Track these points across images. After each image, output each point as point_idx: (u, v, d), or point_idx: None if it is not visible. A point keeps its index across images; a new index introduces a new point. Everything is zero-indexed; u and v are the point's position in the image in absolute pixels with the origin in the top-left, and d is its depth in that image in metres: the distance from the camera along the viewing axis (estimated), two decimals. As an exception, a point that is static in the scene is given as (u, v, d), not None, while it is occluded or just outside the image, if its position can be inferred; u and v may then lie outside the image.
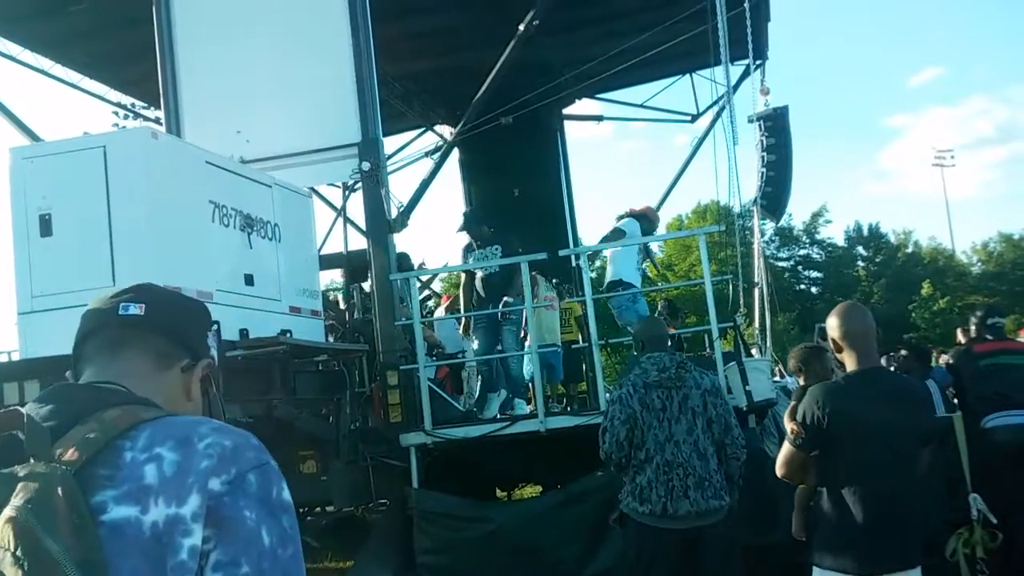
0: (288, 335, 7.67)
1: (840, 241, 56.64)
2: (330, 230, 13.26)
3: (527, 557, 7.13)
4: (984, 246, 58.34)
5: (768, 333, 11.44)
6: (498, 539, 7.23)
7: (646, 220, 9.89)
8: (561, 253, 9.81)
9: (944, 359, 8.55)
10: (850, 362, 3.84)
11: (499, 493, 10.12)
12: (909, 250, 56.57)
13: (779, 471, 4.05)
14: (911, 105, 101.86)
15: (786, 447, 3.97)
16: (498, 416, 8.40)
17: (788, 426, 4.03)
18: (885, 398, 3.78)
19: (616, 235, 9.54)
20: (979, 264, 57.88)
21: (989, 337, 6.71)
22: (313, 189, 9.96)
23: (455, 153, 12.57)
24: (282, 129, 9.10)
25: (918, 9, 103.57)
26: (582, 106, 15.49)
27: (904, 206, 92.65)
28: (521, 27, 9.41)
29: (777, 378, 11.25)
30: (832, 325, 3.89)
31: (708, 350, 10.01)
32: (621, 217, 9.99)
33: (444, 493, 7.82)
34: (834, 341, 3.88)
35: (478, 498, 8.22)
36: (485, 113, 9.79)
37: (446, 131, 14.02)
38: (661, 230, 14.02)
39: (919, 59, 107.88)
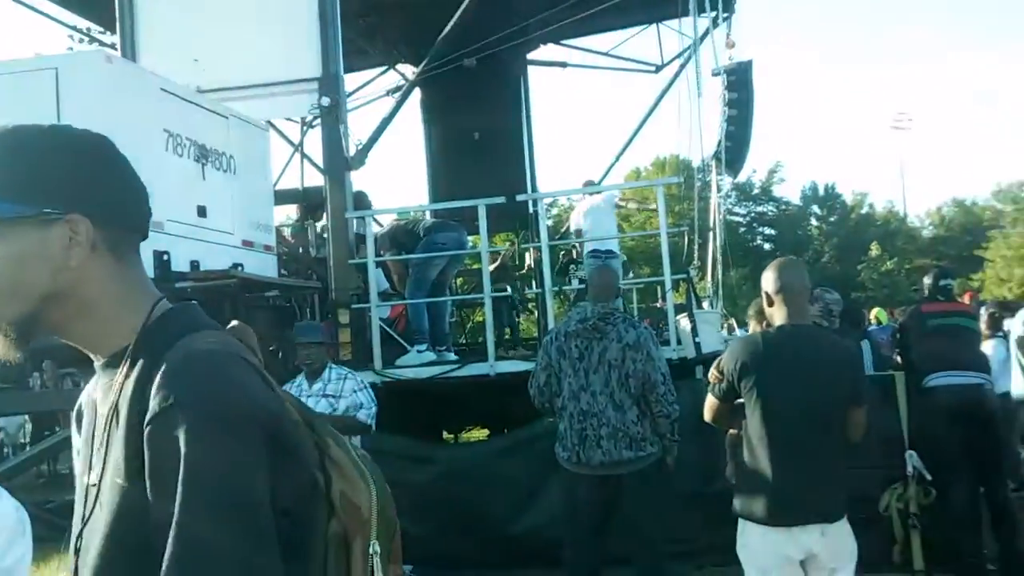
0: (240, 269, 7.61)
1: (796, 199, 57.18)
2: (286, 165, 13.10)
3: (471, 500, 7.20)
4: (938, 210, 59.28)
5: (720, 287, 11.55)
6: (443, 481, 7.28)
7: None
8: (519, 198, 9.77)
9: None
10: (779, 316, 3.85)
11: (446, 436, 10.17)
12: (864, 211, 57.21)
13: (705, 417, 4.11)
14: (877, 64, 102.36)
15: (708, 395, 4.04)
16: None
17: (710, 374, 4.08)
18: (806, 354, 3.79)
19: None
20: (931, 228, 58.77)
21: (940, 298, 6.83)
22: (270, 123, 9.81)
23: (416, 93, 12.42)
24: (241, 59, 8.91)
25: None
26: (547, 51, 15.35)
27: (862, 166, 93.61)
28: (488, -33, 9.28)
29: (725, 332, 11.37)
30: (768, 278, 3.88)
31: (661, 301, 10.12)
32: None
33: (390, 434, 7.85)
34: (767, 295, 3.88)
35: (424, 440, 8.23)
36: (449, 54, 9.67)
37: (408, 71, 13.84)
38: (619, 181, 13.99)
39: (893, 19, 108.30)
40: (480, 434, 10.41)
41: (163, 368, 1.21)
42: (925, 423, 6.44)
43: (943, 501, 6.19)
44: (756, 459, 3.76)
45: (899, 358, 7.11)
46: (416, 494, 7.28)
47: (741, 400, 3.86)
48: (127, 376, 1.28)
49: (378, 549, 1.31)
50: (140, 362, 1.27)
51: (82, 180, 1.32)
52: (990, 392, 6.52)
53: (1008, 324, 9.23)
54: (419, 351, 8.21)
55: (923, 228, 59.15)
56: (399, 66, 14.73)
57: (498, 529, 7.09)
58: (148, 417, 1.18)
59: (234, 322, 5.63)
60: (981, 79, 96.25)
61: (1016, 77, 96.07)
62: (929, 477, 6.20)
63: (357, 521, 1.30)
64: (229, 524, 1.14)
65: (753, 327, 6.39)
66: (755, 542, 3.77)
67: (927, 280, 7.06)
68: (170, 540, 1.13)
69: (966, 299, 11.92)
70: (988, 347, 7.69)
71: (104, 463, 1.26)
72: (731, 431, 4.20)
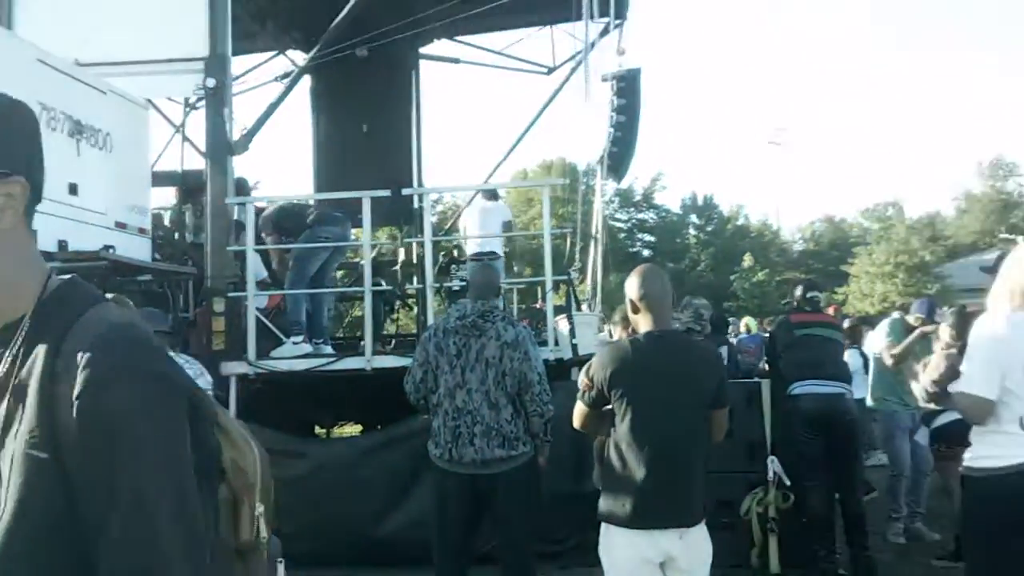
0: (111, 251, 7.38)
1: (676, 208, 58.46)
2: (166, 146, 12.69)
3: (340, 496, 7.13)
4: (809, 225, 61.63)
5: (599, 290, 11.72)
6: (313, 477, 7.18)
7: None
8: (405, 192, 9.73)
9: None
10: (644, 323, 3.93)
11: (318, 431, 10.04)
12: (739, 223, 58.90)
13: (575, 424, 4.15)
14: (758, 81, 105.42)
15: (578, 403, 4.08)
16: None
17: (580, 381, 4.14)
18: (671, 360, 3.88)
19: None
20: (802, 242, 60.98)
21: (808, 309, 7.13)
22: (151, 102, 9.50)
23: (306, 81, 12.22)
24: (124, 34, 8.57)
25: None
26: (440, 47, 15.31)
27: (740, 179, 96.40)
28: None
29: (605, 335, 11.57)
30: (632, 285, 3.95)
31: (540, 302, 10.23)
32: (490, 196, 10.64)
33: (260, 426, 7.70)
34: (631, 302, 3.96)
35: (296, 434, 8.09)
36: (341, 42, 9.55)
37: (299, 57, 13.59)
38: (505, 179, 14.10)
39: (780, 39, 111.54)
40: (354, 430, 10.31)
41: (85, 341, 1.22)
42: (788, 429, 6.70)
43: (801, 506, 6.45)
44: (624, 463, 3.82)
45: (766, 366, 7.38)
46: (285, 489, 7.18)
47: (610, 407, 3.93)
48: (29, 347, 1.25)
49: (262, 510, 1.41)
50: (45, 334, 1.25)
51: (19, 144, 1.32)
52: (850, 402, 6.83)
53: (868, 337, 9.70)
54: (295, 343, 8.09)
55: (794, 242, 61.37)
56: (289, 52, 14.47)
57: (368, 526, 7.05)
58: (79, 390, 1.18)
59: (110, 295, 5.44)
60: (860, 98, 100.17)
61: (894, 100, 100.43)
62: (788, 482, 6.45)
63: (244, 484, 1.40)
64: (172, 491, 1.19)
65: (619, 333, 6.54)
66: (616, 544, 3.84)
67: (796, 291, 7.39)
68: (121, 508, 1.15)
69: (831, 311, 12.41)
70: (846, 357, 8.06)
71: (1, 436, 1.24)
72: (600, 437, 4.28)
